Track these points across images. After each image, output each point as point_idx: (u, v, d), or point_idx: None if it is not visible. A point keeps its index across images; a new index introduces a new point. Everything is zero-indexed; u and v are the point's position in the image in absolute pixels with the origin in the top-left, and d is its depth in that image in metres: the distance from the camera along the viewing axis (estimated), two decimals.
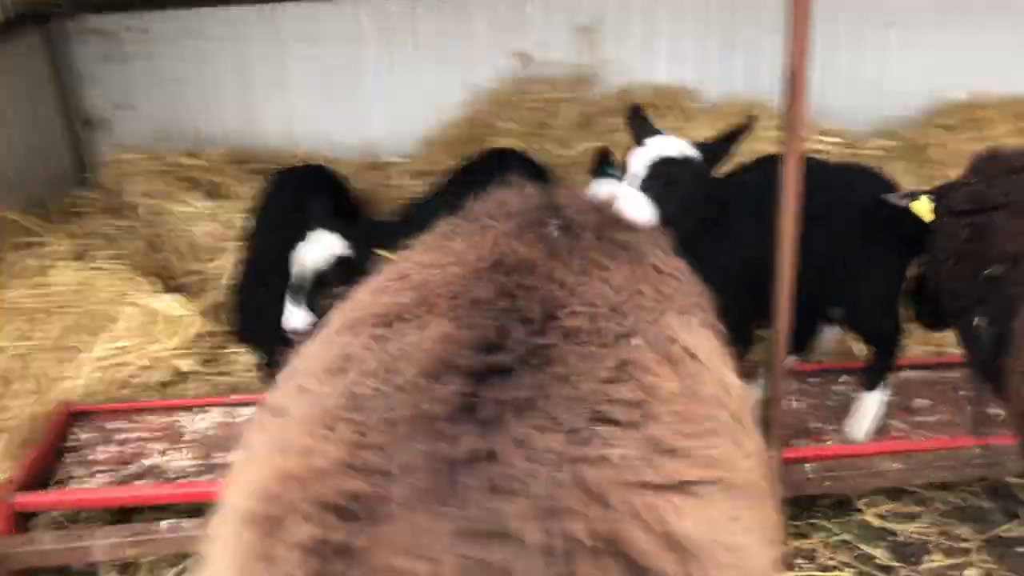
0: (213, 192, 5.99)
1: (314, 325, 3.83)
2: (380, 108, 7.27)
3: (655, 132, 4.03)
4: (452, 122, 7.22)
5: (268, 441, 1.51)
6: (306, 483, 1.30)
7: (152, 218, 5.76)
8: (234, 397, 4.87)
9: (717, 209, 3.97)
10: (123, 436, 4.70)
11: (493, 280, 1.68)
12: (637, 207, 3.66)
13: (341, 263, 4.29)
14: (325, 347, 1.67)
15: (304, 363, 1.67)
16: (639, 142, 3.95)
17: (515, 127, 6.97)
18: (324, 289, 4.19)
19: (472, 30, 7.11)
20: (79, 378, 4.84)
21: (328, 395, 1.48)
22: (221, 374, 5.18)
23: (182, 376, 5.08)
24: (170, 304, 5.10)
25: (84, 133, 6.91)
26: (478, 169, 5.26)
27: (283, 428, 1.49)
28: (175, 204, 5.76)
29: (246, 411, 4.77)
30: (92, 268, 5.18)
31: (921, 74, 7.35)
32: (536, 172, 5.31)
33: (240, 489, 1.43)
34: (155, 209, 5.76)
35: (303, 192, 4.91)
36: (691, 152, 3.89)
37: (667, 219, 3.63)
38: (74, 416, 4.73)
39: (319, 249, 4.34)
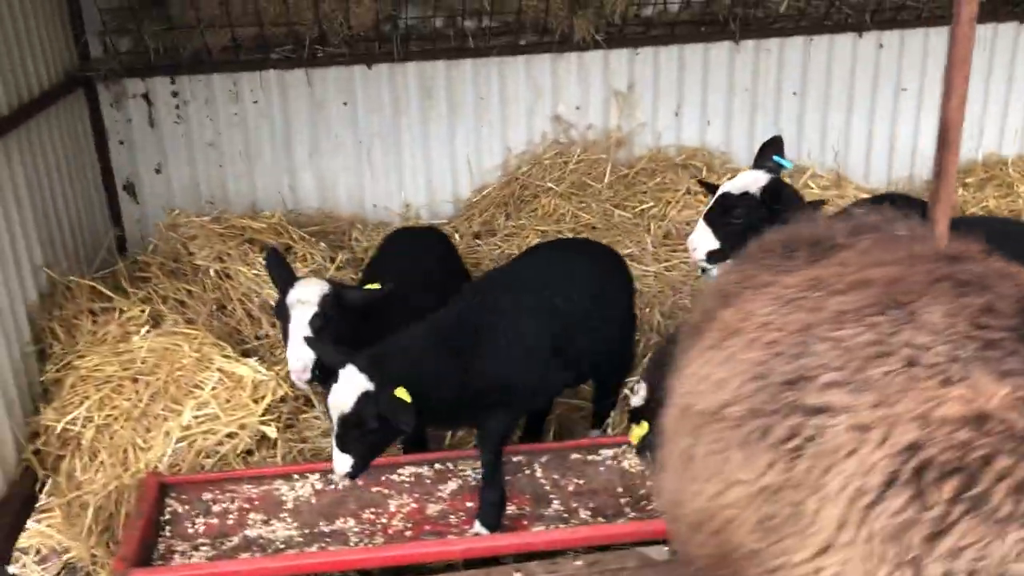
0: None
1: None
2: (419, 171, 7.32)
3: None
4: (491, 184, 7.34)
5: None
6: None
7: (218, 281, 5.67)
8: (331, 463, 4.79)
9: None
10: (219, 507, 4.61)
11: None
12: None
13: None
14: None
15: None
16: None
17: (555, 187, 7.11)
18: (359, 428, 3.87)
19: (507, 94, 7.25)
20: (167, 447, 4.71)
21: None
22: (303, 440, 5.10)
23: (266, 443, 4.98)
24: (252, 369, 5.03)
25: (125, 196, 6.81)
26: None
27: None
28: (241, 266, 5.69)
29: None
30: (171, 333, 5.08)
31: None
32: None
33: None
34: (221, 272, 5.68)
35: (420, 250, 4.93)
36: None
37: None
38: (164, 487, 4.60)
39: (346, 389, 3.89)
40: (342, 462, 3.90)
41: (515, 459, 4.87)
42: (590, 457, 4.90)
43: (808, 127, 7.76)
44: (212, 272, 5.66)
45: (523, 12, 6.87)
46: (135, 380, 4.88)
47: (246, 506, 4.61)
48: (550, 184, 6.99)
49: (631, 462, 4.86)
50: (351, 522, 4.51)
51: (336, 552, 4.15)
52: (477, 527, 4.32)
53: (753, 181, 4.47)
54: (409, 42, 6.93)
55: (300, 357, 4.30)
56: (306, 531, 4.47)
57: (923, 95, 7.80)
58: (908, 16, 7.53)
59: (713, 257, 4.57)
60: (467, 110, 7.26)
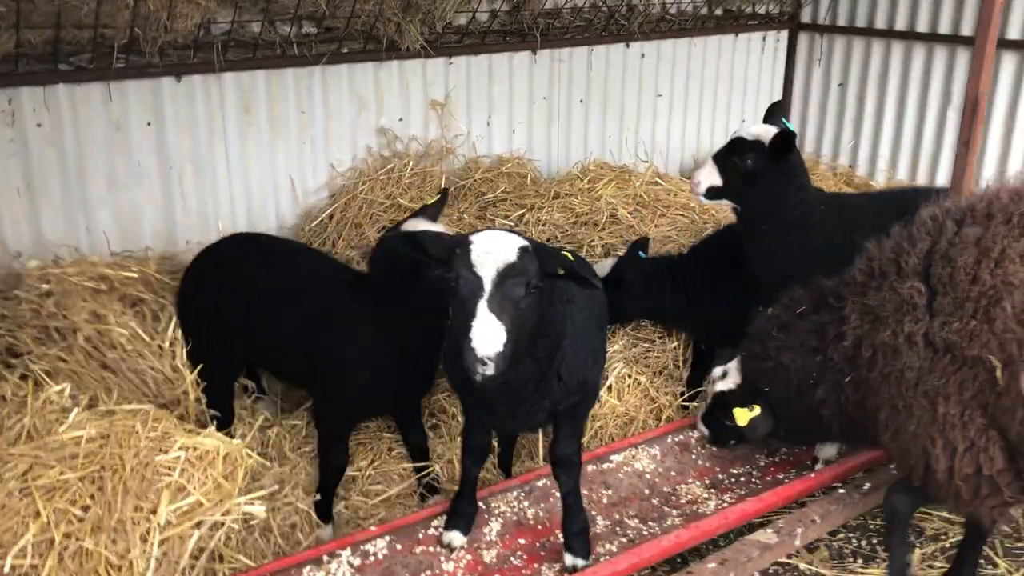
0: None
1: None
2: (237, 198, 6.41)
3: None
4: (320, 206, 6.68)
5: None
6: None
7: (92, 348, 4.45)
8: (359, 534, 4.07)
9: None
10: None
11: None
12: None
13: None
14: None
15: None
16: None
17: (388, 201, 6.68)
18: None
19: (331, 107, 6.66)
20: (150, 558, 3.64)
21: None
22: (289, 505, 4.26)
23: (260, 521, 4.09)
24: (218, 439, 4.07)
25: None
26: None
27: None
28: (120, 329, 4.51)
29: (378, 544, 4.04)
30: (111, 413, 3.91)
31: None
32: None
33: None
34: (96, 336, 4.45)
35: None
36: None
37: None
38: None
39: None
40: (491, 338, 3.05)
41: (539, 484, 4.56)
42: (605, 466, 4.75)
43: (591, 134, 8.21)
44: (83, 336, 4.41)
45: (355, 17, 6.35)
46: (88, 480, 3.67)
47: None
48: (404, 201, 6.53)
49: (643, 464, 4.81)
50: None
51: None
52: (572, 560, 3.96)
53: (765, 131, 4.77)
54: (227, 51, 6.03)
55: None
56: None
57: (674, 99, 8.69)
58: (665, 28, 8.32)
59: (712, 193, 4.91)
60: (289, 125, 6.51)
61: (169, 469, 3.86)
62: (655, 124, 8.64)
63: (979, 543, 4.11)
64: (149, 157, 5.99)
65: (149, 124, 5.93)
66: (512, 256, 3.20)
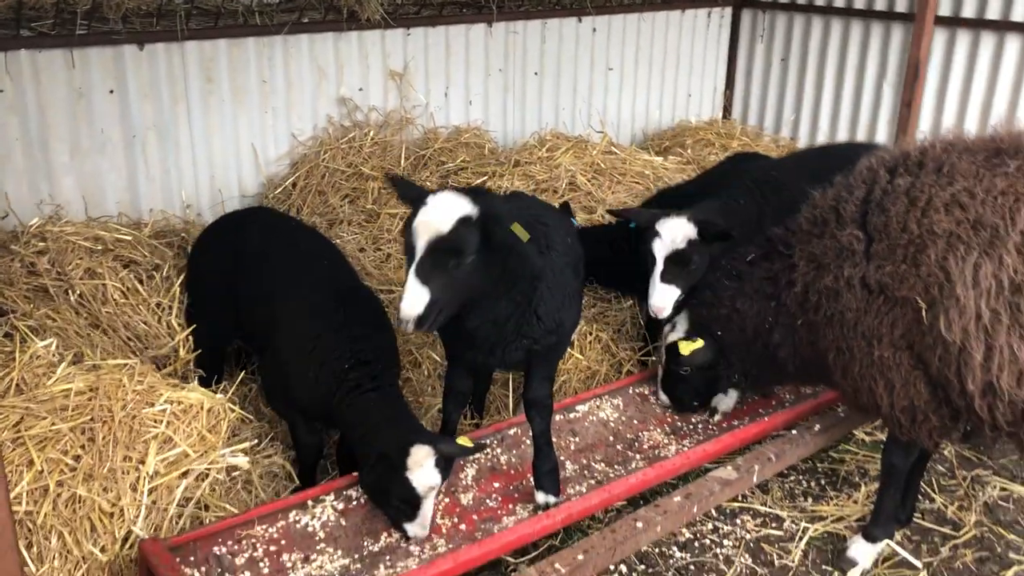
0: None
1: None
2: (200, 166, 6.47)
3: None
4: (283, 174, 6.77)
5: None
6: None
7: (87, 304, 4.52)
8: (343, 479, 4.23)
9: None
10: (243, 558, 3.83)
11: None
12: None
13: None
14: None
15: None
16: None
17: (350, 170, 6.81)
18: None
19: (292, 76, 6.74)
20: (140, 505, 3.77)
21: None
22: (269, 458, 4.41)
23: (242, 473, 4.22)
24: (202, 394, 4.19)
25: None
26: None
27: None
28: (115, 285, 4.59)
29: (360, 489, 4.21)
30: (97, 368, 4.00)
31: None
32: None
33: None
34: (91, 294, 4.52)
35: None
36: None
37: None
38: (172, 551, 3.69)
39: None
40: (412, 303, 3.34)
41: (511, 432, 4.76)
42: (571, 416, 4.98)
43: (546, 106, 8.41)
44: (77, 293, 4.48)
45: None
46: (79, 431, 3.77)
47: (273, 549, 3.89)
48: (367, 170, 6.66)
49: (607, 413, 5.05)
50: (397, 534, 4.05)
51: (460, 553, 3.72)
52: (544, 498, 4.19)
53: (681, 227, 4.75)
54: (190, 19, 6.07)
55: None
56: (356, 555, 3.93)
57: (624, 73, 8.93)
58: (615, 3, 8.54)
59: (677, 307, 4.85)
60: (251, 94, 6.58)
61: (156, 421, 3.98)
62: (606, 97, 8.87)
63: (918, 473, 4.46)
64: (112, 125, 6.02)
65: (112, 92, 5.96)
66: (446, 228, 3.37)
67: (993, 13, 7.70)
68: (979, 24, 7.76)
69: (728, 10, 9.65)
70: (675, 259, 4.78)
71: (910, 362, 3.79)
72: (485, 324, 3.78)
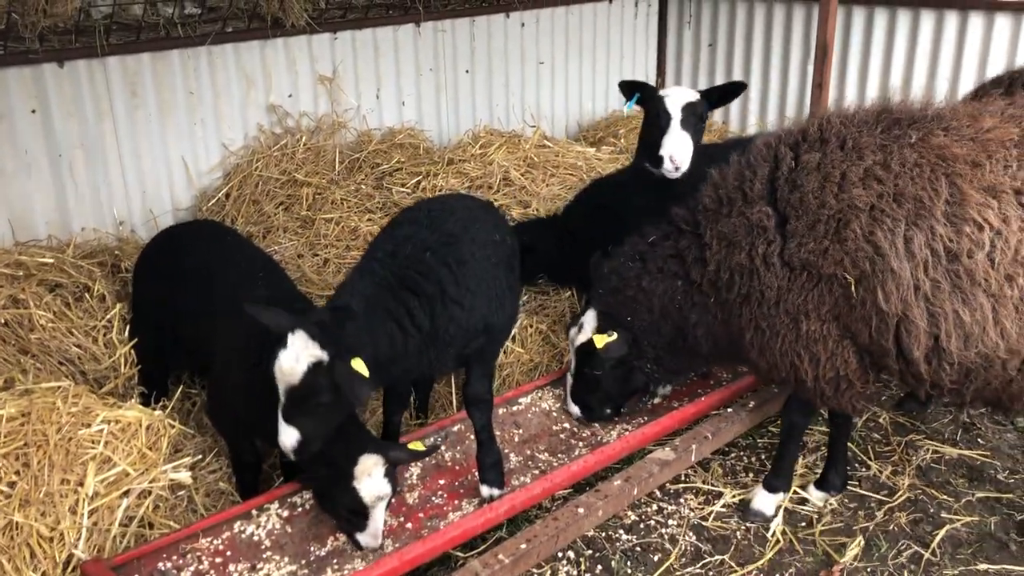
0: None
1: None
2: (131, 182, 6.41)
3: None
4: (214, 183, 6.74)
5: None
6: None
7: (12, 332, 4.47)
8: (286, 487, 4.25)
9: None
10: (192, 570, 3.83)
11: None
12: None
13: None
14: None
15: None
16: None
17: (284, 177, 6.79)
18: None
19: (219, 87, 6.70)
20: (80, 528, 3.75)
21: None
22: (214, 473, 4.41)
23: (180, 490, 4.21)
24: (139, 411, 4.18)
25: None
26: None
27: None
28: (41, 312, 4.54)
29: (304, 496, 4.23)
30: (29, 392, 3.97)
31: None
32: None
33: None
34: (15, 321, 4.47)
35: None
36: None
37: None
38: (115, 570, 3.68)
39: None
40: (289, 435, 3.60)
41: (454, 429, 4.81)
42: (514, 408, 5.04)
43: (479, 103, 8.45)
44: (2, 322, 4.43)
45: None
46: (11, 456, 3.73)
47: (219, 560, 3.89)
48: (300, 176, 6.65)
49: (548, 403, 5.12)
50: (344, 538, 4.08)
51: (406, 551, 3.76)
52: (488, 491, 4.25)
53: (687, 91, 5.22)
54: (110, 34, 6.01)
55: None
56: (303, 561, 3.95)
57: (555, 66, 9.00)
58: None
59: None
60: (178, 107, 6.53)
61: (93, 442, 3.96)
62: (539, 91, 8.93)
63: (844, 438, 4.63)
64: (36, 145, 5.93)
65: (34, 111, 5.88)
66: (297, 378, 3.53)
67: None
68: (873, 1, 8.07)
69: None
70: (689, 110, 5.09)
71: (838, 333, 3.88)
72: (403, 372, 3.99)
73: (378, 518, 3.90)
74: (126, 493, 3.94)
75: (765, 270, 3.88)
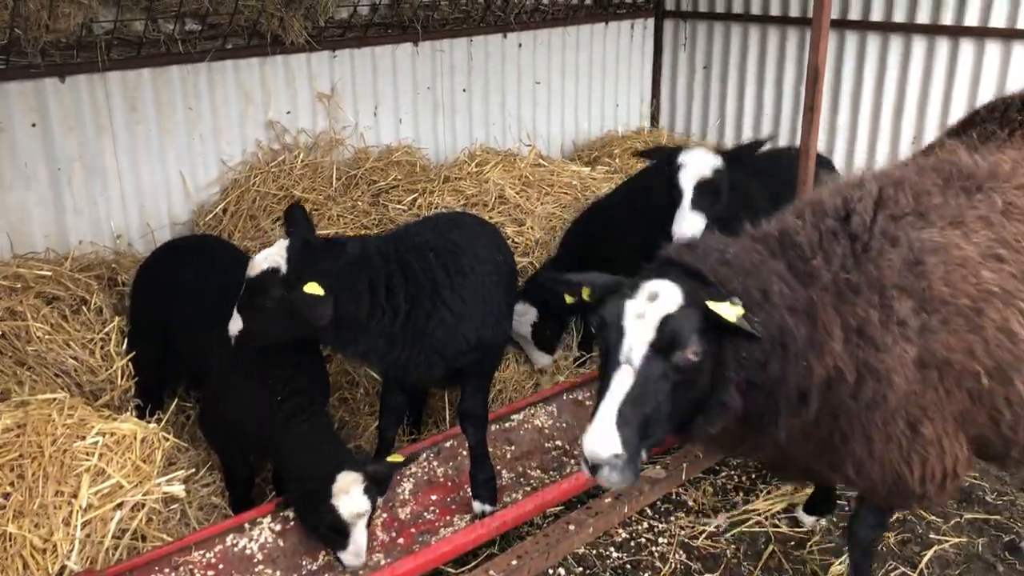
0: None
1: None
2: (129, 196, 6.45)
3: None
4: (212, 197, 6.79)
5: None
6: None
7: (8, 344, 4.50)
8: (280, 500, 4.27)
9: None
10: None
11: None
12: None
13: None
14: None
15: None
16: None
17: (281, 193, 6.84)
18: None
19: (217, 102, 6.76)
20: (73, 539, 3.77)
21: None
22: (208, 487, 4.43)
23: (174, 503, 4.23)
24: (135, 424, 4.21)
25: None
26: None
27: None
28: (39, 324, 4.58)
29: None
30: (25, 404, 3.99)
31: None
32: None
33: None
34: (15, 332, 4.50)
35: None
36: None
37: None
38: None
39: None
40: (234, 322, 3.93)
41: (447, 445, 4.84)
42: (507, 425, 5.07)
43: (475, 122, 8.53)
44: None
45: (238, 13, 6.48)
46: (7, 467, 3.76)
47: (212, 573, 3.92)
48: (298, 192, 6.70)
49: (541, 420, 5.15)
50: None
51: (397, 566, 3.79)
52: (480, 507, 4.28)
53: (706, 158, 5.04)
54: (111, 50, 6.07)
55: None
56: (295, 575, 3.97)
57: (551, 86, 9.08)
58: (539, 18, 8.70)
59: None
60: (177, 122, 6.58)
61: (87, 454, 3.99)
62: (535, 110, 9.01)
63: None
64: (36, 158, 5.98)
65: (34, 125, 5.92)
66: (254, 273, 3.89)
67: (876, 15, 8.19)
68: (866, 27, 8.21)
69: (651, 21, 9.88)
70: (703, 188, 4.90)
71: (955, 428, 3.37)
72: (369, 352, 4.07)
73: (359, 536, 3.87)
74: (119, 505, 3.96)
75: (900, 370, 3.20)
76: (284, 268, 3.81)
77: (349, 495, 3.80)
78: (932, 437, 3.29)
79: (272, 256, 3.85)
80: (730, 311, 2.86)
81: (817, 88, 4.45)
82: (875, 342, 3.15)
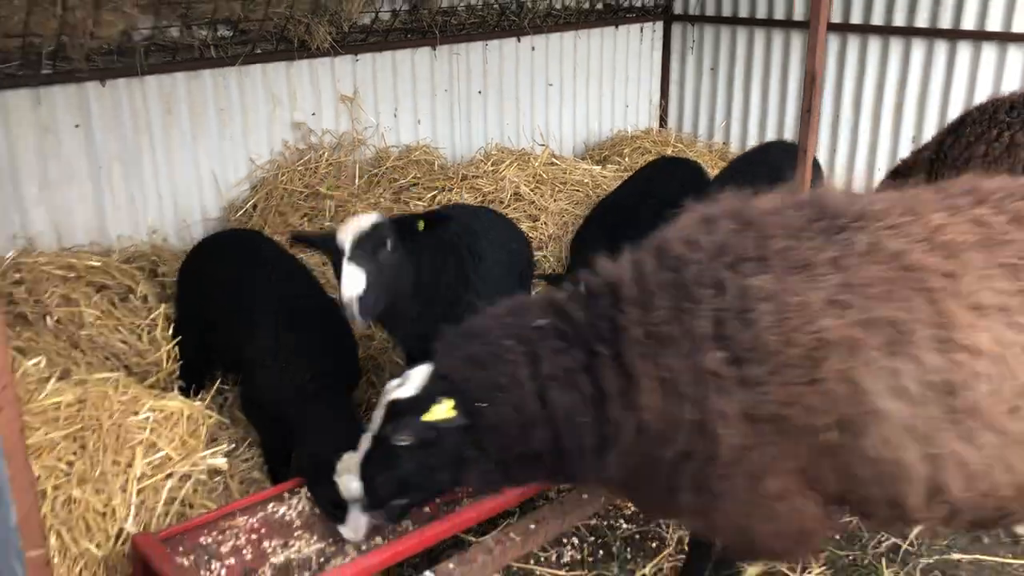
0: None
1: None
2: (164, 192, 6.82)
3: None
4: (242, 194, 7.15)
5: None
6: None
7: (64, 328, 4.87)
8: None
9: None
10: (227, 546, 4.19)
11: None
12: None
13: None
14: None
15: None
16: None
17: (307, 190, 7.20)
18: None
19: (247, 104, 7.12)
20: (130, 505, 4.12)
21: None
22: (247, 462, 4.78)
23: (217, 475, 4.59)
24: (182, 402, 4.56)
25: None
26: None
27: None
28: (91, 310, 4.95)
29: None
30: (83, 382, 4.35)
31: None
32: None
33: None
34: (68, 318, 4.87)
35: None
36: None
37: None
38: (164, 542, 4.05)
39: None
40: (353, 281, 4.15)
41: None
42: None
43: (490, 122, 8.88)
44: (55, 319, 4.83)
45: (267, 20, 6.84)
46: (70, 439, 4.12)
47: (255, 536, 4.25)
48: (323, 190, 7.06)
49: None
50: None
51: (428, 528, 4.13)
52: None
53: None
54: (149, 55, 6.44)
55: None
56: (331, 539, 4.30)
57: (563, 88, 9.42)
58: (551, 23, 9.04)
59: None
60: (209, 123, 6.95)
61: (140, 428, 4.33)
62: (548, 111, 9.35)
63: None
64: (79, 158, 6.35)
65: (77, 126, 6.29)
66: (367, 226, 4.29)
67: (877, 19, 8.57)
68: (867, 30, 8.57)
69: (659, 24, 10.21)
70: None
71: (803, 486, 3.15)
72: (417, 323, 4.39)
73: (358, 513, 3.98)
74: (169, 475, 4.31)
75: (722, 426, 2.99)
76: (384, 220, 4.27)
77: (352, 474, 3.92)
78: (776, 493, 3.11)
79: (372, 216, 4.31)
80: (440, 411, 3.19)
81: (814, 91, 4.76)
82: (685, 396, 3.00)
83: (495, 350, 3.20)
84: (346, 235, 4.26)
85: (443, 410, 3.18)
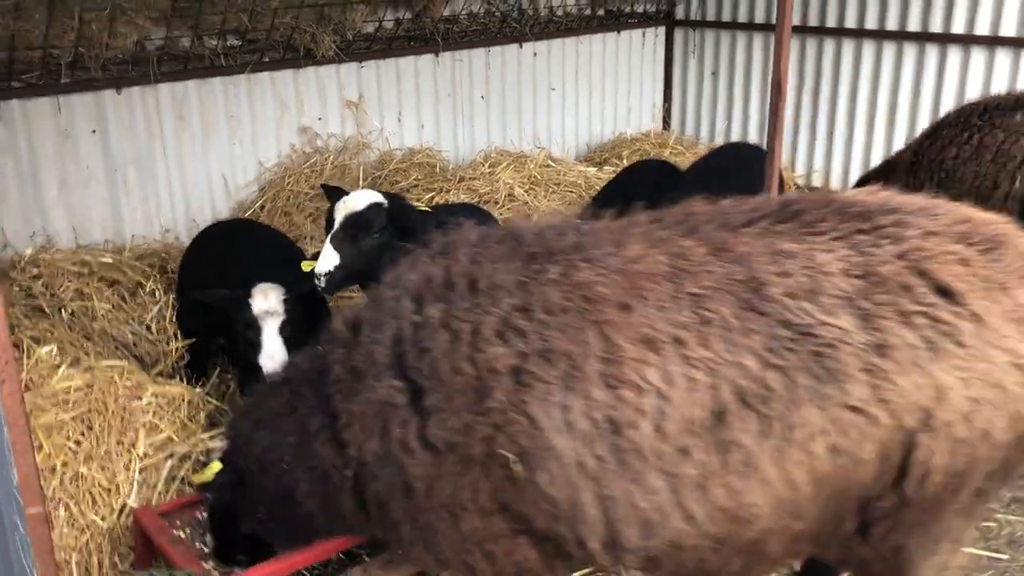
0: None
1: None
2: (176, 195, 7.20)
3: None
4: (251, 196, 7.51)
5: None
6: None
7: (77, 320, 5.24)
8: None
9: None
10: None
11: None
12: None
13: None
14: None
15: None
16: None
17: (313, 192, 7.54)
18: None
19: (256, 110, 7.48)
20: (132, 481, 4.47)
21: None
22: None
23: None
24: (183, 388, 4.91)
25: None
26: None
27: None
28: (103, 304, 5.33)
29: None
30: (91, 369, 4.71)
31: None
32: None
33: None
34: (81, 311, 5.25)
35: None
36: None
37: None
38: (162, 516, 4.40)
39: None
40: (328, 260, 4.38)
41: None
42: None
43: (493, 127, 9.18)
44: (70, 312, 5.21)
45: (275, 29, 7.20)
46: (78, 420, 4.48)
47: None
48: (311, 190, 7.41)
49: None
50: None
51: None
52: None
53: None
54: (161, 64, 6.82)
55: None
56: None
57: (565, 92, 9.71)
58: (553, 29, 9.33)
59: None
60: (219, 128, 7.32)
61: (143, 411, 4.69)
62: (550, 115, 9.64)
63: None
64: (96, 161, 6.74)
65: (94, 132, 6.69)
66: (360, 207, 4.54)
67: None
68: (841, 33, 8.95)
69: (661, 29, 10.47)
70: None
71: (508, 526, 2.98)
72: None
73: (271, 337, 4.41)
74: (170, 455, 4.65)
75: (406, 456, 2.93)
76: (384, 201, 4.48)
77: (265, 296, 4.41)
78: (473, 531, 2.98)
79: (372, 194, 4.51)
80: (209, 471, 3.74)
81: (780, 97, 5.00)
82: (373, 428, 2.99)
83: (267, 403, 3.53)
84: (339, 212, 4.53)
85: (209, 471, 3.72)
